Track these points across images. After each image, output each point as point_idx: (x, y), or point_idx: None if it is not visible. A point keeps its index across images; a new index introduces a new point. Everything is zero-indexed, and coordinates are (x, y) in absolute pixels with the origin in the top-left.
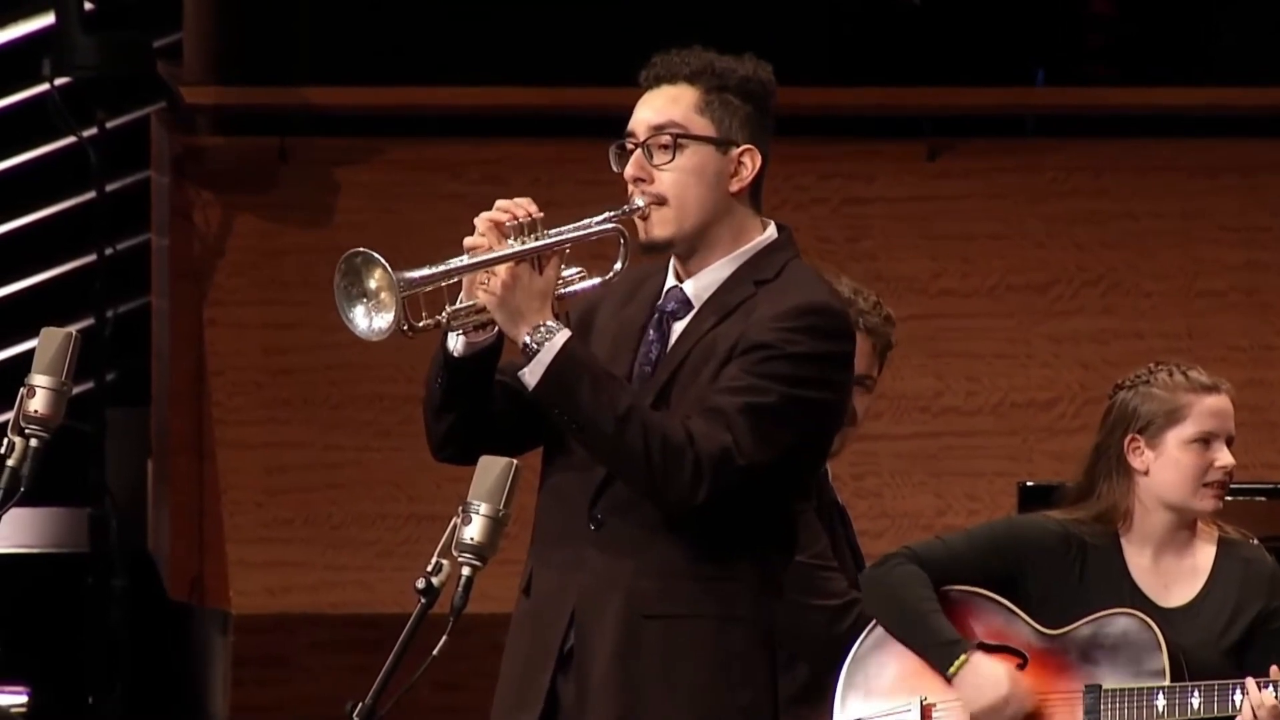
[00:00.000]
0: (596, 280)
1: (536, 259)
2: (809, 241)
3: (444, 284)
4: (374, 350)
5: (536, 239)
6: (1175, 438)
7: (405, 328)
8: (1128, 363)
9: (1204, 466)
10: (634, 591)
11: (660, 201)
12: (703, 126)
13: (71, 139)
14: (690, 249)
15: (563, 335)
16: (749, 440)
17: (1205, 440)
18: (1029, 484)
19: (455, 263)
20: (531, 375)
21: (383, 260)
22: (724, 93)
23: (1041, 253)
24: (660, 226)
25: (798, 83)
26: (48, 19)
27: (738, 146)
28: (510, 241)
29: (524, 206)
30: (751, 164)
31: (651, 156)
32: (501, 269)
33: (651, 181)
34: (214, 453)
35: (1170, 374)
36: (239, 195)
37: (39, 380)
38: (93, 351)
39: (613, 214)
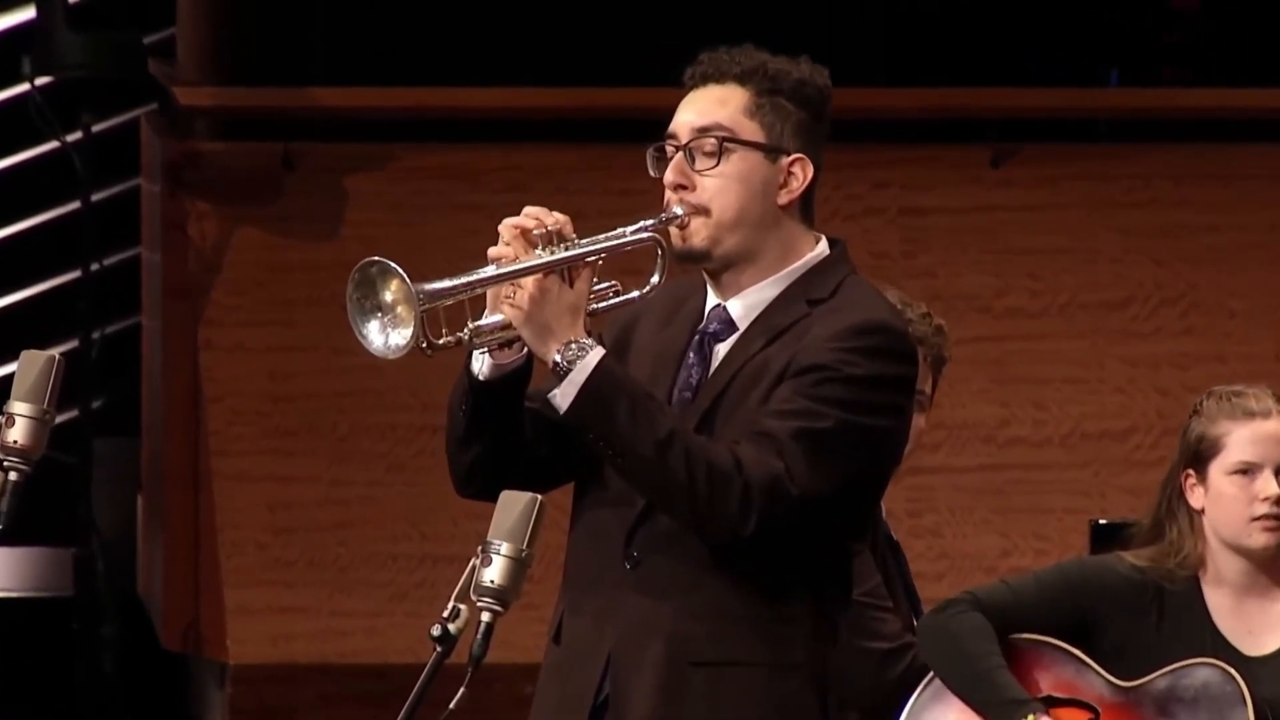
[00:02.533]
0: (632, 294)
1: (566, 270)
2: (862, 256)
3: (466, 298)
4: (386, 376)
5: (567, 249)
6: (1218, 469)
7: (424, 345)
8: (1210, 389)
9: (1248, 500)
10: (677, 636)
11: (702, 210)
12: (752, 131)
13: (55, 144)
14: (728, 263)
15: (596, 353)
16: (803, 468)
17: (1246, 470)
18: (1102, 522)
19: (479, 274)
20: (564, 396)
21: (400, 270)
22: (776, 96)
23: (1116, 268)
24: (698, 236)
25: (850, 83)
26: (28, 13)
27: (788, 155)
28: (538, 251)
29: (553, 214)
30: (802, 175)
31: (694, 161)
32: (528, 281)
33: (693, 189)
34: (210, 487)
35: (1219, 399)
36: (239, 206)
37: (19, 408)
38: (78, 376)
39: (649, 223)
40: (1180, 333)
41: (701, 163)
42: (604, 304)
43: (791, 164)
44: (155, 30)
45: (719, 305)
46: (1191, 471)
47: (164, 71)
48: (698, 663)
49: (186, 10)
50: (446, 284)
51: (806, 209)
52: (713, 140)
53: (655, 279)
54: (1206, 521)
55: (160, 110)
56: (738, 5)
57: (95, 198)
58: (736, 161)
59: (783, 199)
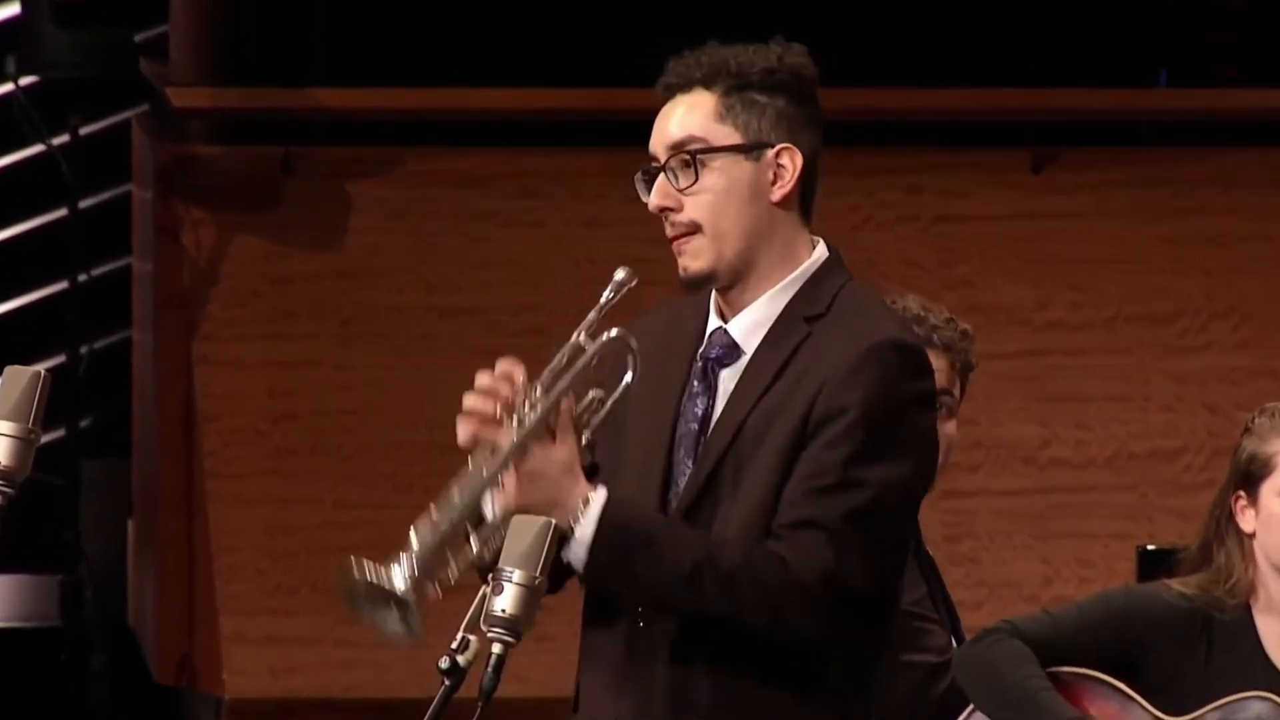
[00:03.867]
0: (617, 392)
1: (544, 429)
2: (894, 266)
3: (454, 541)
4: (393, 392)
5: (532, 406)
6: (1270, 490)
7: (438, 590)
8: (1262, 406)
9: None
10: (694, 702)
11: (693, 230)
12: (725, 135)
13: (41, 148)
14: (734, 278)
15: (597, 500)
16: (855, 557)
17: None
18: (1149, 547)
19: (456, 502)
20: (576, 555)
21: (387, 581)
22: (746, 91)
23: (1163, 279)
24: (696, 259)
25: (882, 83)
26: (12, 9)
27: (771, 148)
28: (507, 424)
29: (504, 375)
30: (792, 164)
31: (677, 179)
32: (510, 471)
33: (680, 209)
34: (206, 511)
35: (1271, 416)
36: (236, 213)
37: (2, 427)
38: (65, 394)
39: (605, 302)
40: (1231, 347)
41: (683, 180)
42: (597, 418)
43: (778, 155)
44: (147, 27)
45: (720, 328)
46: (1242, 493)
47: (156, 71)
48: None
49: (180, 6)
50: (428, 545)
51: (805, 203)
52: (686, 155)
53: (628, 377)
54: (1257, 546)
55: (152, 112)
56: (761, 2)
57: (84, 204)
58: (717, 171)
59: (776, 195)
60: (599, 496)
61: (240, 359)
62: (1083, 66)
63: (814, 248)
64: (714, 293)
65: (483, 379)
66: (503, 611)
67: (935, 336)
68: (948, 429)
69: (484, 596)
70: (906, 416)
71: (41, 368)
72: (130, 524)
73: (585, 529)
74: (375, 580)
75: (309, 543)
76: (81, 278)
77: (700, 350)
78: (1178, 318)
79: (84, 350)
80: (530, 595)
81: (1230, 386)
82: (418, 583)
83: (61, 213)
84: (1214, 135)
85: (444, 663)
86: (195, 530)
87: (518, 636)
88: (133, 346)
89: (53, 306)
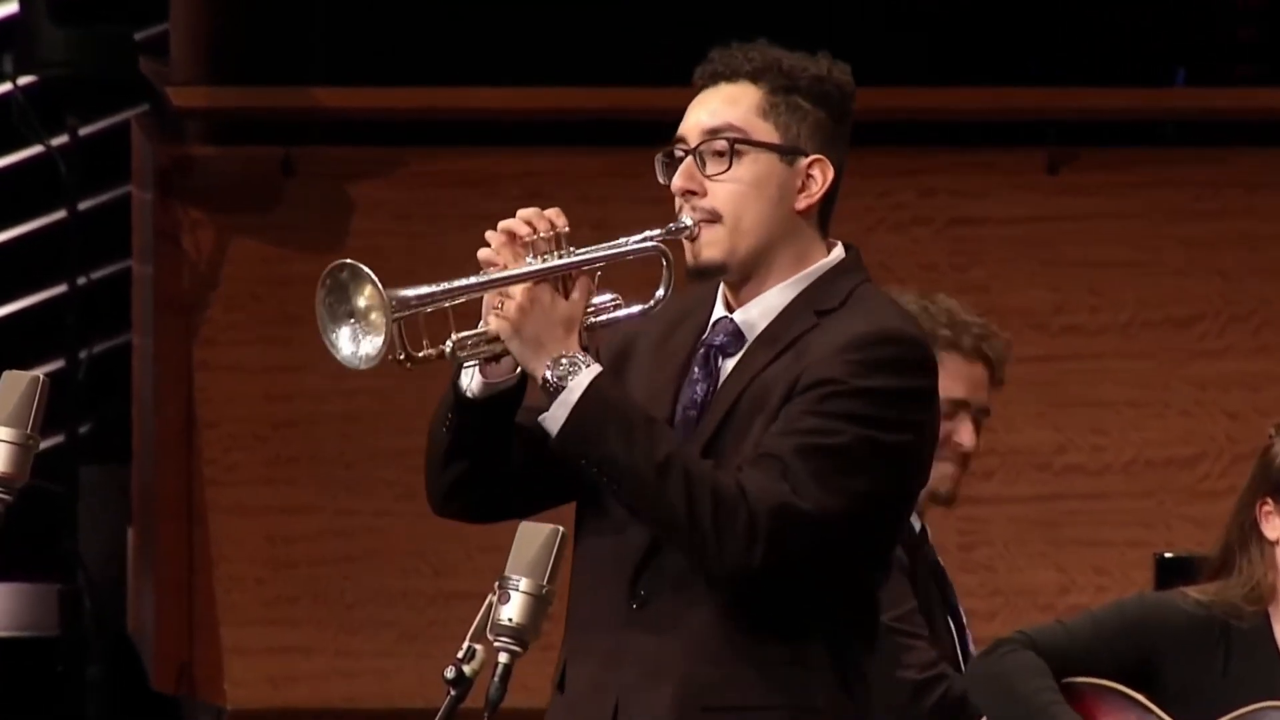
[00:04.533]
0: (635, 309)
1: (560, 280)
2: (909, 268)
3: (447, 306)
4: (395, 399)
5: (561, 256)
6: None
7: (402, 357)
8: None
9: None
10: (688, 681)
11: (713, 218)
12: (765, 132)
13: (38, 149)
14: (745, 274)
15: (590, 371)
16: (811, 490)
17: None
18: (1167, 555)
19: (461, 282)
20: (554, 419)
21: (372, 275)
22: (792, 94)
23: (1182, 282)
24: (711, 248)
25: (895, 82)
26: (10, 6)
27: (806, 157)
28: (529, 259)
29: (549, 218)
30: (822, 178)
31: (704, 165)
32: (518, 290)
33: (704, 195)
34: (206, 519)
35: None
36: (236, 215)
37: (0, 433)
38: (63, 399)
39: (655, 233)
40: (1251, 351)
41: (712, 167)
42: (603, 318)
43: (810, 166)
44: (146, 25)
45: (725, 317)
46: (1270, 500)
47: (156, 70)
48: (710, 708)
49: (180, 4)
50: (423, 291)
51: (824, 216)
52: (723, 141)
53: (660, 293)
54: None
55: (152, 112)
56: (773, 1)
57: (82, 206)
58: (750, 164)
59: (800, 204)
60: (593, 368)
61: (240, 363)
62: (1099, 65)
63: (830, 250)
64: (723, 286)
65: (526, 210)
66: (509, 620)
67: (984, 346)
68: (964, 436)
69: (490, 605)
70: (896, 402)
71: (40, 372)
72: (130, 531)
73: (571, 392)
74: (359, 268)
75: (310, 551)
76: (80, 281)
77: (704, 337)
78: (1197, 321)
79: (83, 355)
80: (537, 604)
81: (1250, 392)
82: (384, 303)
83: (60, 215)
84: (1234, 135)
85: (449, 672)
86: (195, 538)
87: (524, 646)
88: (132, 351)
89: (51, 310)
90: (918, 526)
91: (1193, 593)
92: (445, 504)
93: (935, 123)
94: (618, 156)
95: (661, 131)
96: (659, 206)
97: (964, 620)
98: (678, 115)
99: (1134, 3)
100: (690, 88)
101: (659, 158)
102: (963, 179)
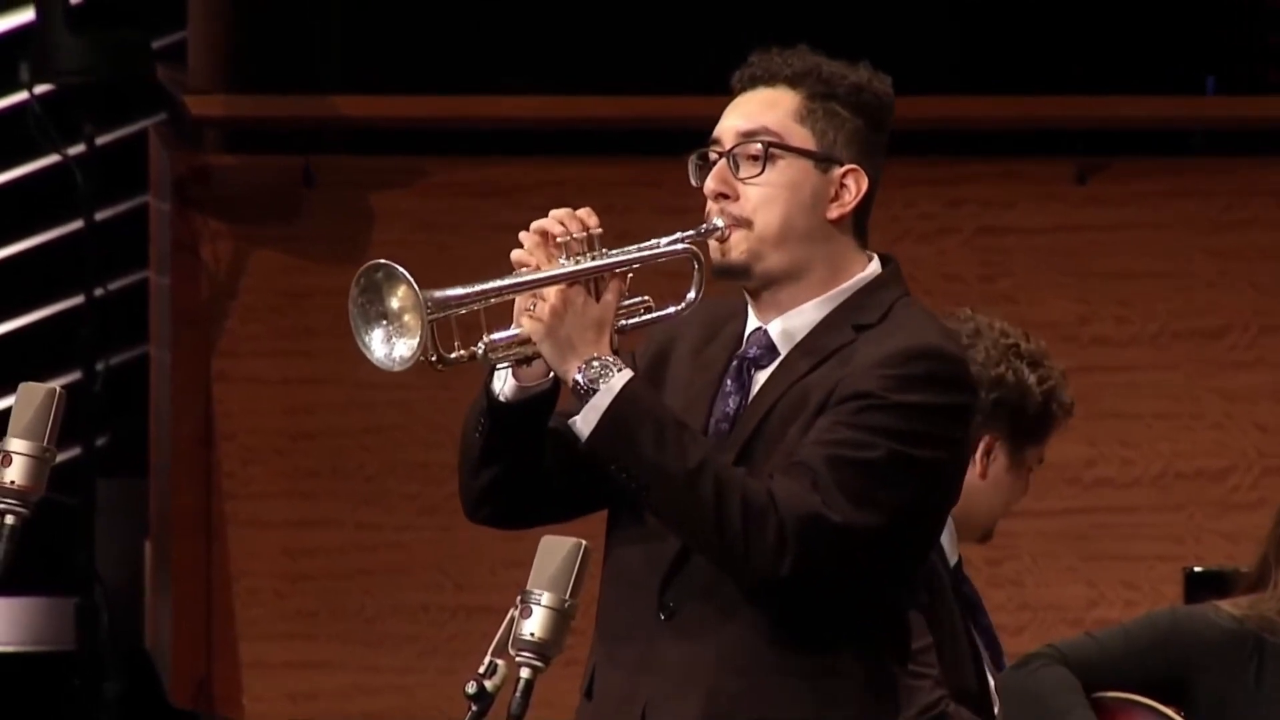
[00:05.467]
0: (667, 310)
1: (593, 282)
2: (935, 280)
3: (481, 308)
4: (416, 411)
5: (594, 258)
6: None
7: (433, 358)
8: None
9: None
10: (716, 691)
11: (744, 222)
12: (801, 138)
13: (54, 157)
14: (769, 280)
15: (622, 375)
16: (842, 502)
17: None
18: (1197, 569)
19: (495, 283)
20: (585, 422)
21: (408, 276)
22: (830, 101)
23: (1212, 294)
24: (738, 250)
25: (922, 90)
26: (26, 14)
27: (841, 166)
28: (562, 260)
29: (581, 219)
30: (856, 188)
31: (738, 169)
32: (550, 292)
33: (736, 198)
34: (224, 532)
35: None
36: (255, 225)
37: (16, 445)
38: (80, 411)
39: (686, 234)
40: None
41: (746, 170)
42: (634, 320)
43: (844, 175)
44: (164, 33)
45: (760, 329)
46: None
47: (173, 78)
48: (739, 719)
49: (199, 11)
50: (458, 292)
51: (860, 226)
52: (758, 146)
53: (692, 295)
54: None
55: (169, 120)
56: (799, 6)
57: (99, 216)
58: (784, 169)
59: (833, 213)
60: (625, 372)
61: (259, 376)
62: (1128, 74)
63: (869, 263)
64: (748, 295)
65: (559, 210)
66: (531, 635)
67: (1059, 404)
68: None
69: (512, 620)
70: (932, 417)
71: (56, 384)
72: (147, 545)
73: (604, 395)
74: (394, 268)
75: (329, 566)
76: (97, 292)
77: (739, 350)
78: (1226, 333)
79: (100, 367)
80: (559, 619)
81: None
82: (419, 303)
83: (76, 225)
84: (1265, 144)
85: (470, 688)
86: (213, 552)
87: (546, 661)
88: (150, 363)
89: (67, 321)
90: (953, 560)
91: (1226, 606)
92: (477, 509)
93: (962, 132)
94: (642, 165)
95: (685, 140)
96: (681, 216)
97: (1001, 646)
98: (702, 123)
99: (1163, 10)
100: (719, 96)
101: (692, 159)
102: (990, 189)
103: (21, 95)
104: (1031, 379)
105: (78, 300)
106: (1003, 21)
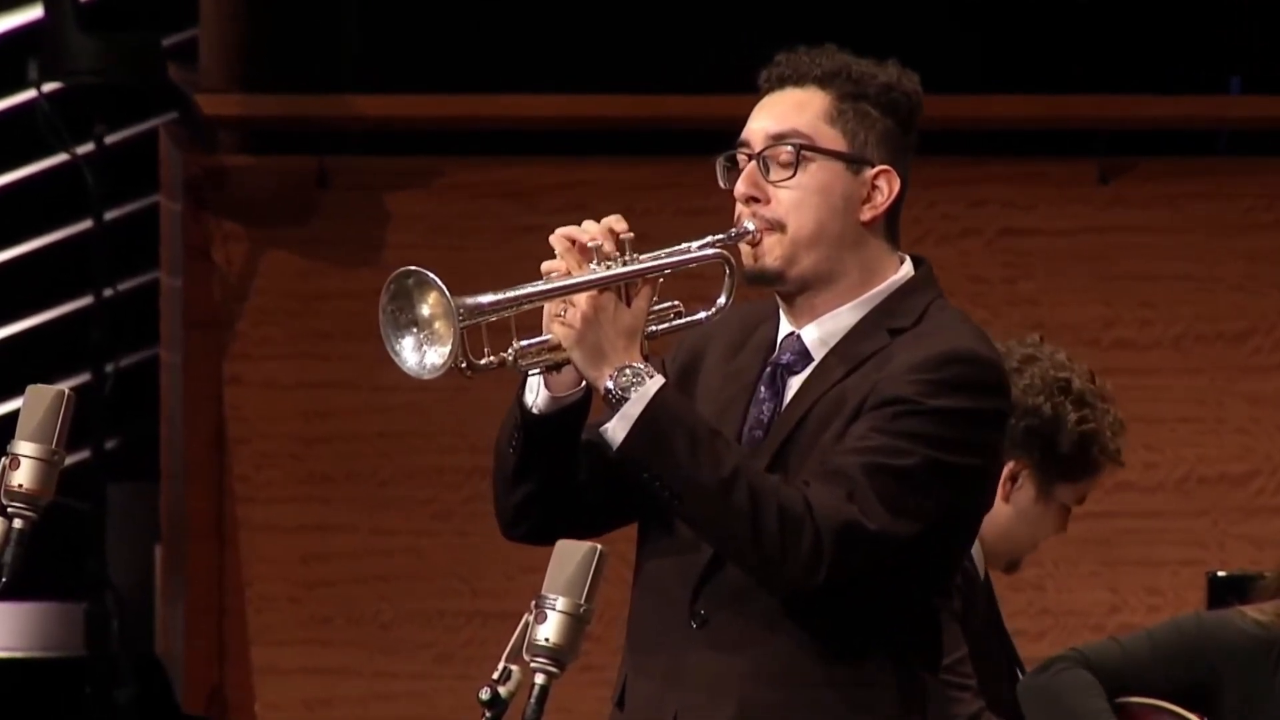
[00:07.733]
0: (698, 315)
1: (624, 288)
2: (957, 281)
3: (512, 315)
4: (432, 415)
5: (625, 264)
6: None
7: (464, 365)
8: None
9: None
10: (749, 701)
11: (776, 226)
12: (832, 139)
13: (65, 157)
14: (804, 285)
15: (654, 382)
16: (878, 511)
17: None
18: (1220, 574)
19: (526, 289)
20: (616, 430)
21: (440, 282)
22: (860, 101)
23: (1237, 297)
24: (772, 255)
25: (944, 90)
26: (36, 12)
27: (872, 167)
28: (593, 266)
29: (611, 225)
30: (888, 189)
31: (768, 171)
32: (581, 298)
33: (767, 202)
34: (237, 538)
35: None
36: (268, 227)
37: (24, 449)
38: (90, 414)
39: (717, 238)
40: None
41: (776, 173)
42: (665, 326)
43: (876, 176)
44: (176, 31)
45: (793, 334)
46: None
47: (185, 77)
48: None
49: (211, 10)
50: (490, 298)
51: (891, 227)
52: (789, 148)
53: (722, 300)
54: None
55: (181, 120)
56: (820, 4)
57: (109, 217)
58: (815, 172)
59: (866, 215)
60: (657, 379)
61: (273, 379)
62: (1152, 73)
63: (901, 265)
64: (780, 300)
65: (590, 222)
66: (546, 640)
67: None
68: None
69: (527, 625)
70: (969, 423)
71: (66, 387)
72: (158, 550)
73: (635, 403)
74: (425, 274)
75: (344, 571)
76: (107, 293)
77: (772, 355)
78: (1251, 336)
79: (110, 369)
80: (575, 624)
81: None
82: (450, 311)
83: (86, 225)
84: None
85: (484, 694)
86: (226, 557)
87: (562, 667)
88: (161, 365)
89: (77, 323)
90: (982, 573)
91: (1251, 612)
92: (514, 526)
93: (985, 132)
94: (663, 166)
95: (706, 140)
96: (702, 218)
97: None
98: (723, 123)
99: (1188, 10)
100: (741, 95)
101: (720, 161)
102: (1013, 189)
103: (31, 94)
104: (1072, 417)
105: (87, 301)
106: (1025, 21)
